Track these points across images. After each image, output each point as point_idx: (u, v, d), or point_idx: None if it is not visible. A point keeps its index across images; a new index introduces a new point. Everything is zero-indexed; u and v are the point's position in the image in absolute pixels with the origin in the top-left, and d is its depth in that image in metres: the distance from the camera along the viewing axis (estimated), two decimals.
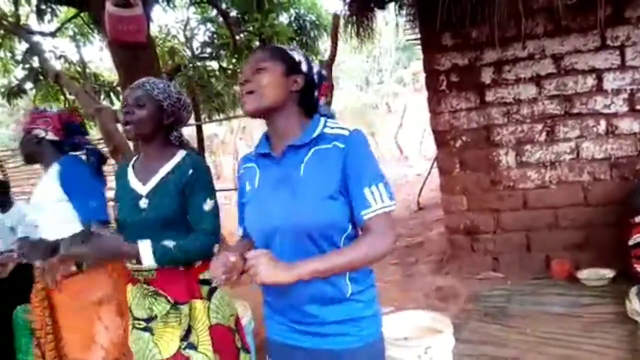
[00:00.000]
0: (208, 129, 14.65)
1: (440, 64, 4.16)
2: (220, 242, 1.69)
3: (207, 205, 1.65)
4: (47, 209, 1.97)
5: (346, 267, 1.23)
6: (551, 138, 3.94)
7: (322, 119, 1.34)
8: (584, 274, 3.66)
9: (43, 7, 5.55)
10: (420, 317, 2.54)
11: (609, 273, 3.58)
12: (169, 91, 1.71)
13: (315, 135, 1.29)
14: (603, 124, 3.80)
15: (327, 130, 1.30)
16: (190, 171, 1.66)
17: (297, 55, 1.34)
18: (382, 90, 19.63)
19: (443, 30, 3.98)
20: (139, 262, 1.57)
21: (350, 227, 1.28)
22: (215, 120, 9.83)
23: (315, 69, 1.38)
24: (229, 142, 17.45)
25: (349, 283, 1.28)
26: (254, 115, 1.32)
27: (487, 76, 4.03)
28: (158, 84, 1.71)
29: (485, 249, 4.20)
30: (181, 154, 1.73)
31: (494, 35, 3.63)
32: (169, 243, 1.59)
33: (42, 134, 2.05)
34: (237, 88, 8.19)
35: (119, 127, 5.28)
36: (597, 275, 3.62)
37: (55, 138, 2.06)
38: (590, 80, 3.80)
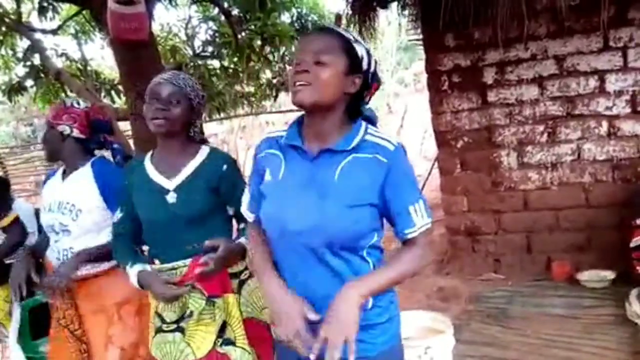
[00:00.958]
0: (208, 128, 14.63)
1: (442, 64, 4.15)
2: None
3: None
4: (82, 213, 1.89)
5: (396, 281, 1.23)
6: (553, 139, 3.93)
7: (364, 125, 1.25)
8: (584, 276, 3.65)
9: (45, 4, 5.53)
10: (421, 317, 2.54)
11: (609, 275, 3.58)
12: (197, 88, 1.70)
13: (355, 142, 1.21)
14: (605, 125, 3.79)
15: (368, 138, 1.22)
16: (225, 166, 1.66)
17: (361, 50, 1.22)
18: (382, 90, 19.62)
19: (445, 31, 3.97)
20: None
21: (375, 236, 1.25)
22: (216, 119, 9.81)
23: (373, 66, 1.27)
24: (229, 141, 17.44)
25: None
26: (303, 107, 1.21)
27: (489, 77, 4.02)
28: (188, 80, 1.68)
29: (486, 250, 4.19)
30: (205, 149, 1.72)
31: (496, 36, 3.62)
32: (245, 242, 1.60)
33: (67, 130, 1.93)
34: (237, 87, 8.19)
35: (119, 124, 5.30)
36: (597, 277, 3.62)
37: (81, 136, 1.96)
38: (593, 82, 3.79)
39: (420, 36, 4.75)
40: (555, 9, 3.44)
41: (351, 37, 1.22)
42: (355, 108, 1.27)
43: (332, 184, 1.19)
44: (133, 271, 1.64)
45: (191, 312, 1.62)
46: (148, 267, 1.65)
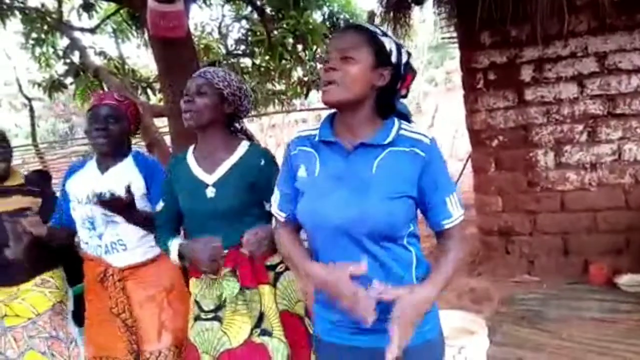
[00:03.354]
0: None
1: (477, 61, 4.09)
2: None
3: None
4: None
5: (452, 277, 1.26)
6: (592, 139, 3.83)
7: (397, 122, 1.27)
8: (622, 280, 3.55)
9: (91, 1, 5.69)
10: (454, 317, 2.51)
11: None
12: (230, 79, 1.70)
13: (391, 138, 1.23)
14: None
15: (403, 133, 1.24)
16: (262, 161, 1.68)
17: (389, 43, 1.23)
18: (412, 90, 19.44)
19: (481, 28, 3.91)
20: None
21: (412, 226, 1.28)
22: (247, 117, 9.91)
23: (405, 58, 1.26)
24: (259, 139, 17.58)
25: (415, 281, 1.27)
26: (331, 106, 1.25)
27: (526, 74, 3.94)
28: (218, 72, 1.70)
29: (520, 252, 4.11)
30: (245, 144, 1.73)
31: (535, 32, 3.54)
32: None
33: (128, 127, 2.00)
34: (269, 85, 8.25)
35: (155, 121, 5.42)
36: (636, 281, 3.51)
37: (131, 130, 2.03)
38: (635, 80, 3.67)
39: (454, 34, 4.70)
40: (597, 5, 3.36)
41: (377, 31, 1.23)
42: (387, 101, 1.28)
43: (370, 177, 1.21)
44: (173, 246, 1.68)
45: (225, 300, 1.65)
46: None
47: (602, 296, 3.46)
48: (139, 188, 1.91)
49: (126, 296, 1.92)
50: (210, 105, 1.66)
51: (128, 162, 1.97)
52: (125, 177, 1.90)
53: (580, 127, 3.86)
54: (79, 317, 2.12)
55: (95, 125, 1.90)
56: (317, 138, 1.30)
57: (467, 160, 7.30)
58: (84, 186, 1.94)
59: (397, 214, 1.21)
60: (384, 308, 1.15)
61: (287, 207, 1.38)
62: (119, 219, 1.86)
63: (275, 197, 1.42)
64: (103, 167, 1.98)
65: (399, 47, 1.24)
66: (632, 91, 3.69)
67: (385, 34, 1.24)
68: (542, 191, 4.00)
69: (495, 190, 4.16)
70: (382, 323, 1.14)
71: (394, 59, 1.23)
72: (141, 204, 1.89)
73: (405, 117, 1.32)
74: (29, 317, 2.05)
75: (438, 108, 15.62)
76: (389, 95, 1.27)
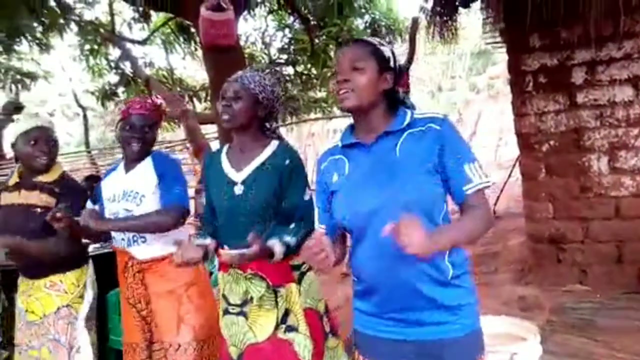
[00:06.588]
0: None
1: (526, 64, 4.00)
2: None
3: (307, 195, 1.71)
4: (146, 198, 2.06)
5: (466, 240, 1.28)
6: None
7: (409, 111, 1.38)
8: None
9: (149, 11, 5.95)
10: (504, 323, 2.45)
11: None
12: (264, 84, 1.78)
13: (407, 122, 1.35)
14: None
15: (416, 117, 1.36)
16: (287, 161, 1.72)
17: (387, 51, 1.39)
18: (453, 97, 19.19)
19: (531, 30, 3.84)
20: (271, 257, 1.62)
21: (445, 206, 1.32)
22: (288, 124, 10.05)
23: (398, 61, 1.43)
24: (298, 148, 17.74)
25: (449, 265, 1.30)
26: (350, 111, 1.37)
27: (578, 77, 3.83)
28: (254, 77, 1.78)
29: (572, 260, 3.97)
30: (274, 144, 1.79)
31: (587, 34, 3.46)
32: (290, 240, 1.63)
33: (156, 133, 2.17)
34: (311, 93, 8.36)
35: (202, 127, 5.58)
36: None
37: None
38: None
39: (499, 38, 4.64)
40: None
41: (376, 42, 1.39)
42: (394, 100, 1.41)
43: (395, 160, 1.31)
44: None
45: (251, 298, 1.71)
46: (208, 240, 1.74)
47: None
48: (151, 184, 2.06)
49: (144, 288, 2.03)
50: (245, 108, 1.74)
51: (147, 162, 2.12)
52: (143, 176, 2.07)
53: (635, 131, 3.71)
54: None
55: (133, 134, 2.08)
56: (340, 145, 1.43)
57: (512, 167, 7.14)
58: (112, 186, 2.14)
59: (429, 186, 1.28)
60: (411, 302, 1.26)
61: (325, 219, 1.47)
62: (137, 213, 2.01)
63: (317, 213, 1.51)
64: (128, 168, 2.14)
65: (393, 53, 1.41)
66: None
67: (382, 44, 1.40)
68: (595, 197, 3.87)
69: (545, 196, 4.05)
70: (421, 312, 1.26)
71: (392, 63, 1.39)
72: (152, 200, 2.03)
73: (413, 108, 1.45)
74: (40, 316, 2.14)
75: (480, 115, 15.34)
76: (394, 94, 1.41)
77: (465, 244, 1.31)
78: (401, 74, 1.46)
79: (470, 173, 1.29)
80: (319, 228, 1.49)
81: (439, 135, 1.30)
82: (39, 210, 2.07)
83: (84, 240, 2.35)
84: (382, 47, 1.38)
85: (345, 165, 1.40)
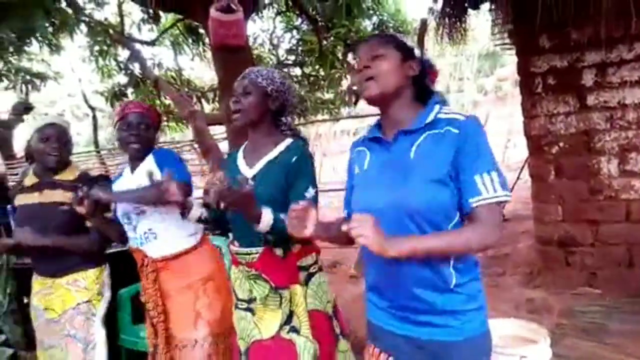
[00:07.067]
0: None
1: (536, 66, 3.98)
2: None
3: (309, 194, 1.69)
4: None
5: (444, 251, 1.22)
6: None
7: (437, 106, 1.33)
8: None
9: (158, 12, 5.98)
10: (514, 325, 2.44)
11: None
12: (272, 76, 1.77)
13: (429, 120, 1.29)
14: None
15: (441, 116, 1.30)
16: (294, 158, 1.71)
17: (409, 42, 1.36)
18: (461, 99, 19.15)
19: (540, 32, 3.82)
20: (257, 222, 1.57)
21: (457, 216, 1.26)
22: (297, 125, 10.06)
23: (424, 56, 1.40)
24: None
25: (453, 272, 1.26)
26: (373, 101, 1.33)
27: (588, 79, 3.80)
28: (261, 71, 1.78)
29: (581, 263, 3.94)
30: (287, 141, 1.78)
31: (597, 35, 3.43)
32: (283, 217, 1.60)
33: (155, 131, 2.17)
34: (319, 94, 8.36)
35: (210, 128, 5.59)
36: None
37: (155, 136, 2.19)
38: None
39: (508, 40, 4.61)
40: None
41: (397, 34, 1.39)
42: (422, 91, 1.37)
43: (409, 163, 1.27)
44: None
45: (255, 298, 1.73)
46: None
47: None
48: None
49: (156, 288, 2.03)
50: (255, 103, 1.74)
51: (149, 159, 2.12)
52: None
53: None
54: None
55: (131, 132, 2.07)
56: (366, 136, 1.43)
57: (521, 169, 7.11)
58: (120, 187, 2.14)
59: (438, 197, 1.22)
60: (411, 304, 1.26)
61: (346, 206, 1.49)
62: (146, 208, 2.00)
63: (344, 198, 1.52)
64: (133, 168, 2.15)
65: (418, 45, 1.39)
66: None
67: (404, 36, 1.38)
68: (605, 200, 3.84)
69: (555, 198, 4.02)
70: (424, 315, 1.25)
71: (417, 53, 1.35)
72: None
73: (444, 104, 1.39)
74: (59, 313, 2.16)
75: (489, 117, 15.28)
76: (422, 82, 1.37)
77: (450, 255, 1.24)
78: (431, 67, 1.41)
79: (481, 184, 1.21)
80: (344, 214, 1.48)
81: (456, 140, 1.23)
82: (65, 207, 2.07)
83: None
84: (403, 38, 1.36)
85: (365, 159, 1.40)
